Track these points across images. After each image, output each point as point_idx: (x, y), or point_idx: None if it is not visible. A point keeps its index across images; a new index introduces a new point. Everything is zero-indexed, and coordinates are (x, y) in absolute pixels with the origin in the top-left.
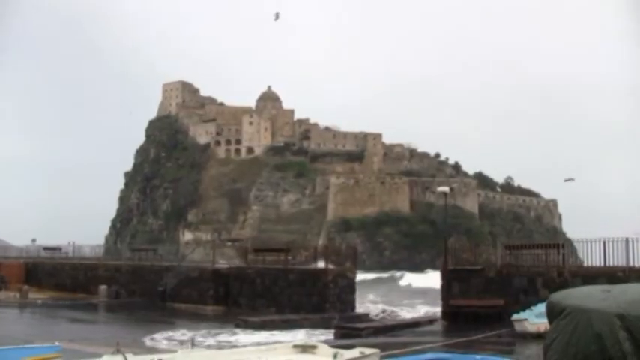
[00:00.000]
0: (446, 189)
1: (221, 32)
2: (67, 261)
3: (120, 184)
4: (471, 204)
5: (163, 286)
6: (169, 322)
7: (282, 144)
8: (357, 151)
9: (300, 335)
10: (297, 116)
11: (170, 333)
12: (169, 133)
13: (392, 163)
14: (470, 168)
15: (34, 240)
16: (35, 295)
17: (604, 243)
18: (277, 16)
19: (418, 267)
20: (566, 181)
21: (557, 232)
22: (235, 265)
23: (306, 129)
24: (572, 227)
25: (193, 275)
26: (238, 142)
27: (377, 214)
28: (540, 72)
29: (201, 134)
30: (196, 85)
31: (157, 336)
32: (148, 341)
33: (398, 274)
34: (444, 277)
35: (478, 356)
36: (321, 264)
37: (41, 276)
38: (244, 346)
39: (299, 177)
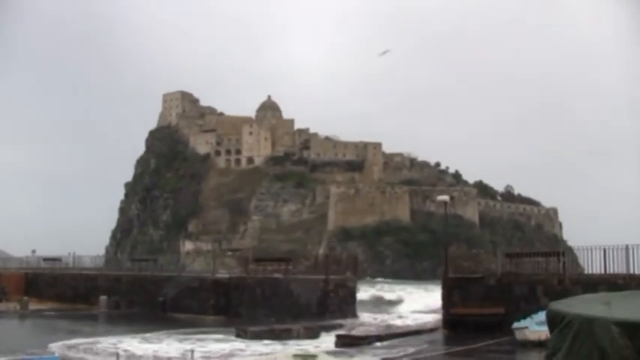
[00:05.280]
0: (446, 198)
1: (221, 42)
2: (67, 272)
3: (120, 194)
4: (471, 212)
5: (164, 296)
6: (170, 332)
7: (282, 154)
8: (357, 160)
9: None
10: (297, 126)
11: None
12: (169, 143)
13: (392, 172)
14: (470, 177)
15: (33, 251)
16: (35, 306)
17: (604, 251)
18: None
19: (419, 276)
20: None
21: (557, 240)
22: (236, 275)
23: (306, 139)
24: (573, 235)
25: (194, 285)
26: (238, 152)
27: (377, 224)
28: (540, 80)
29: (202, 144)
30: (196, 95)
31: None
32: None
33: (397, 298)
34: (444, 286)
35: None
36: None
37: (41, 287)
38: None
39: (299, 187)
